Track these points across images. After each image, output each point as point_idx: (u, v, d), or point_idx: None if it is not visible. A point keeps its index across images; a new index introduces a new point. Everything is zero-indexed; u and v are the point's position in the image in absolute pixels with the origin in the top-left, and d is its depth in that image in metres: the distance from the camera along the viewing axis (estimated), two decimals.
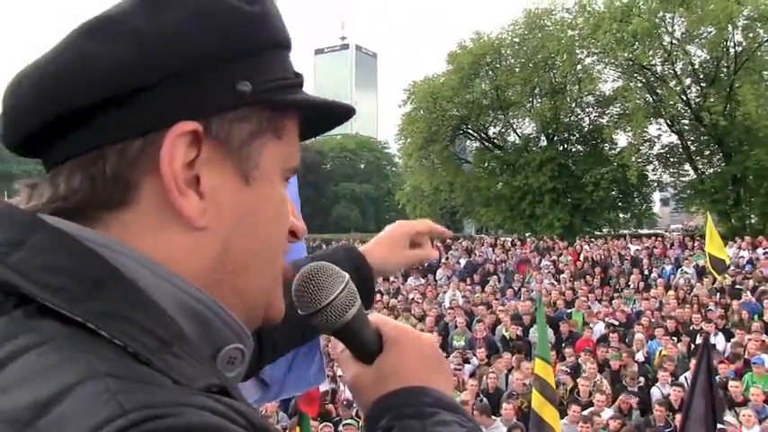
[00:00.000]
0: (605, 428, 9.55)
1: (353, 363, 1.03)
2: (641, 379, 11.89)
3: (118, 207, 0.72)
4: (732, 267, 20.02)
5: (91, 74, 0.69)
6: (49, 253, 0.68)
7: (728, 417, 9.34)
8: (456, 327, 15.50)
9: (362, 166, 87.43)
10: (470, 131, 41.04)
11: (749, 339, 12.94)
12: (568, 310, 16.89)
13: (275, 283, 0.87)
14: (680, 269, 21.13)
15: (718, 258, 17.52)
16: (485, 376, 12.06)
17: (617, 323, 15.67)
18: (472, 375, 12.37)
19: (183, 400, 0.59)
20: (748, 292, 17.14)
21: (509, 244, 29.13)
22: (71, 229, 0.70)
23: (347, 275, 0.99)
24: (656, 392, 11.35)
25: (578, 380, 11.56)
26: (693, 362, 11.90)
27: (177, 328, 0.69)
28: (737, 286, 18.11)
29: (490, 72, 38.44)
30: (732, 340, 13.51)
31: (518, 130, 40.84)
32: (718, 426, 6.02)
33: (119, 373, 0.59)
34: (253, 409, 0.65)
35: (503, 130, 41.40)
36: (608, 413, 10.32)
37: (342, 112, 0.90)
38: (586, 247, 26.00)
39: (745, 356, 12.26)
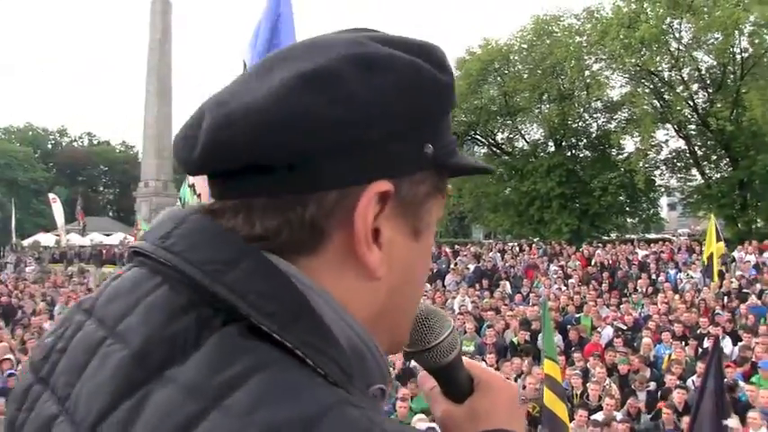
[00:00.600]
0: None
1: (444, 400, 1.10)
2: (651, 383, 12.03)
3: (308, 253, 0.77)
4: (739, 272, 20.21)
5: (313, 129, 0.72)
6: (260, 278, 0.73)
7: (731, 421, 9.48)
8: (465, 332, 15.51)
9: None
10: (478, 137, 41.13)
11: (757, 343, 13.10)
12: (577, 315, 17.02)
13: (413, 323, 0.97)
14: (687, 273, 21.30)
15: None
16: None
17: (625, 327, 15.81)
18: None
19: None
20: (753, 296, 17.32)
21: (517, 249, 29.25)
22: (274, 260, 0.75)
23: (452, 322, 1.08)
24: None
25: (588, 384, 11.68)
26: (701, 365, 12.09)
27: (351, 364, 0.74)
28: (744, 290, 18.28)
29: (498, 78, 38.51)
30: (740, 344, 13.65)
31: (526, 136, 40.95)
32: (724, 423, 6.12)
33: (354, 401, 0.67)
34: None
35: (511, 135, 41.48)
36: (617, 417, 10.37)
37: (486, 171, 1.01)
38: (599, 252, 26.09)
39: (753, 359, 12.40)
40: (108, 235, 53.77)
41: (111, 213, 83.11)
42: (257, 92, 0.75)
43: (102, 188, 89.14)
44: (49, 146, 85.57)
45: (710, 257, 17.56)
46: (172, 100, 53.42)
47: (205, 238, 0.76)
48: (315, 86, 0.73)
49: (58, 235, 46.89)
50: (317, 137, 0.73)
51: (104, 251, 41.91)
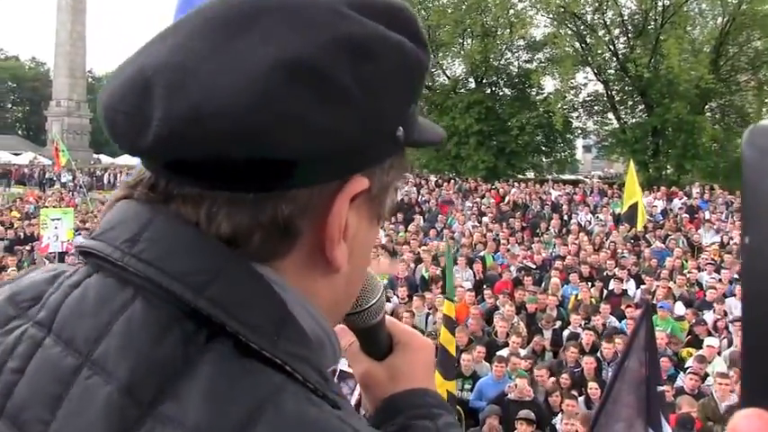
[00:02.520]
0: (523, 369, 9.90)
1: (364, 358, 1.10)
2: (557, 322, 12.33)
3: (279, 257, 0.71)
4: (647, 217, 20.80)
5: (298, 134, 0.64)
6: (243, 289, 0.67)
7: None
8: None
9: None
10: None
11: (657, 286, 13.58)
12: (481, 253, 17.24)
13: None
14: (596, 216, 21.85)
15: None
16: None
17: (534, 266, 16.11)
18: (392, 314, 12.47)
19: None
20: (657, 240, 17.86)
21: (433, 184, 29.40)
22: (250, 263, 0.69)
23: (382, 284, 1.06)
24: (567, 335, 11.83)
25: (497, 321, 11.91)
26: (604, 306, 12.50)
27: (324, 364, 0.73)
28: (647, 235, 18.87)
29: (422, 11, 37.84)
30: (642, 287, 14.12)
31: (447, 71, 40.75)
32: (660, 389, 6.12)
33: (360, 426, 0.67)
34: None
35: (432, 70, 41.09)
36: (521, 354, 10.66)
37: (438, 143, 0.90)
38: (514, 190, 26.41)
39: (653, 302, 12.83)
40: (17, 154, 51.74)
41: (20, 132, 79.97)
42: (225, 76, 0.63)
43: (10, 105, 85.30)
44: None
45: (635, 205, 17.77)
46: (86, 17, 51.46)
47: (180, 245, 0.68)
48: (301, 83, 0.64)
49: None
50: (302, 142, 0.65)
51: (13, 170, 40.50)
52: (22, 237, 19.80)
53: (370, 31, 0.68)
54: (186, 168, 0.67)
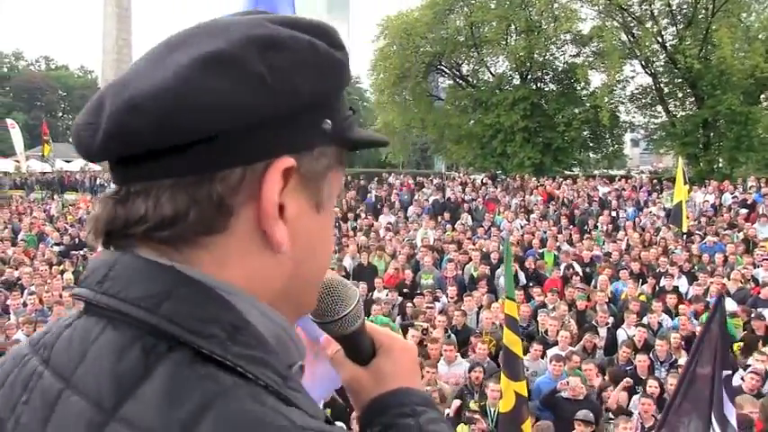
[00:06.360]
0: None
1: (349, 364, 1.17)
2: (610, 319, 12.14)
3: (218, 232, 0.80)
4: (698, 211, 20.41)
5: (215, 110, 0.75)
6: (194, 303, 0.77)
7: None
8: (423, 266, 15.54)
9: None
10: (444, 68, 40.32)
11: (711, 282, 13.31)
12: (540, 250, 17.08)
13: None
14: (648, 211, 21.48)
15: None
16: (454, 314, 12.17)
17: (581, 264, 15.88)
18: (441, 312, 12.44)
19: None
20: (708, 237, 17.50)
21: (479, 182, 29.18)
22: (203, 278, 0.79)
23: (358, 292, 1.15)
24: (621, 334, 11.67)
25: (547, 319, 11.79)
26: (656, 304, 12.30)
27: (282, 361, 0.82)
28: (697, 231, 18.50)
29: (465, 8, 37.68)
30: (695, 283, 13.85)
31: (492, 68, 40.28)
32: (724, 373, 5.86)
33: (294, 417, 0.73)
34: None
35: (476, 67, 40.78)
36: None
37: (381, 144, 1.04)
38: (563, 186, 26.05)
39: (707, 299, 12.58)
40: (68, 161, 52.70)
41: (71, 140, 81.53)
42: (156, 76, 0.76)
43: (61, 114, 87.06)
44: (5, 69, 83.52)
45: (679, 204, 17.40)
46: (132, 25, 52.10)
47: (137, 275, 0.80)
48: (218, 69, 0.76)
49: (17, 161, 45.88)
50: (222, 119, 0.75)
51: (66, 177, 41.24)
52: (77, 242, 20.14)
53: (281, 32, 0.81)
54: (135, 163, 0.79)
